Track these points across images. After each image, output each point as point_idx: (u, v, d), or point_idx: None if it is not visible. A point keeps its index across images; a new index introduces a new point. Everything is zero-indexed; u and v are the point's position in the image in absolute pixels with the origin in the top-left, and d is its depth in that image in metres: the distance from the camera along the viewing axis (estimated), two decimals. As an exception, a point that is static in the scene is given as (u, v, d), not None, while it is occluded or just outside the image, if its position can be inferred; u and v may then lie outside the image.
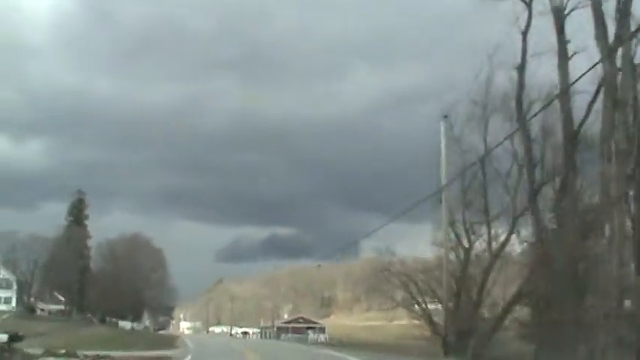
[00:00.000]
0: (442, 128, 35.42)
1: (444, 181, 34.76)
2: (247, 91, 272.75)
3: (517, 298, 33.65)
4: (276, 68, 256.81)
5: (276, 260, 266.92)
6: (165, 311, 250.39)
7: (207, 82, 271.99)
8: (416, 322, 40.33)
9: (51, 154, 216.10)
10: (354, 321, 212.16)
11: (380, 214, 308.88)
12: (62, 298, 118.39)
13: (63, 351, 30.29)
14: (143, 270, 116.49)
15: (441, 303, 37.16)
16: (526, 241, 35.52)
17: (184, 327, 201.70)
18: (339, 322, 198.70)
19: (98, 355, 30.11)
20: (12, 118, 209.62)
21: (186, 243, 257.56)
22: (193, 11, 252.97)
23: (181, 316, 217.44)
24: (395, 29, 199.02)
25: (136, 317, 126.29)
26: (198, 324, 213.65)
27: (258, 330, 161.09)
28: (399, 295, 42.38)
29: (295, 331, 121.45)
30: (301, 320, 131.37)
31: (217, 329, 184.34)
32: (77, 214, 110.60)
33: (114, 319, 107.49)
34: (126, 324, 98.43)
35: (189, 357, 35.44)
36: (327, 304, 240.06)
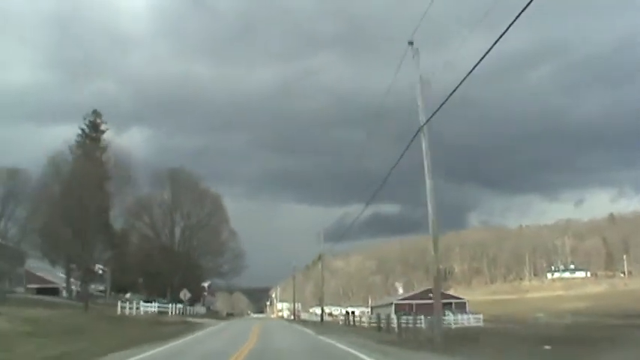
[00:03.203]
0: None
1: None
2: (349, 67, 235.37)
3: None
4: (377, 42, 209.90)
5: (381, 237, 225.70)
6: (258, 293, 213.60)
7: (308, 61, 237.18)
8: None
9: (153, 143, 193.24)
10: (478, 295, 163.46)
11: (487, 187, 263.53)
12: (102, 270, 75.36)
13: None
14: (192, 225, 69.94)
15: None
16: None
17: (279, 308, 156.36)
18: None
19: None
20: (114, 109, 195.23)
21: (293, 226, 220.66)
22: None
23: (274, 295, 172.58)
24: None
25: (196, 297, 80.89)
26: (298, 305, 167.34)
27: (367, 309, 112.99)
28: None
29: (422, 309, 72.21)
30: (430, 295, 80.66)
31: (318, 310, 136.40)
32: (89, 144, 65.49)
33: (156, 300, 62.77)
34: (148, 306, 51.78)
35: None
36: (443, 278, 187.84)
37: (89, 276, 61.07)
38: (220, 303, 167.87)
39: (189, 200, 68.66)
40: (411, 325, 35.09)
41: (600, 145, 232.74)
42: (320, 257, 56.60)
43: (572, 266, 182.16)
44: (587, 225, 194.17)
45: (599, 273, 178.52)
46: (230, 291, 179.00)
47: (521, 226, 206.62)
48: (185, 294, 43.71)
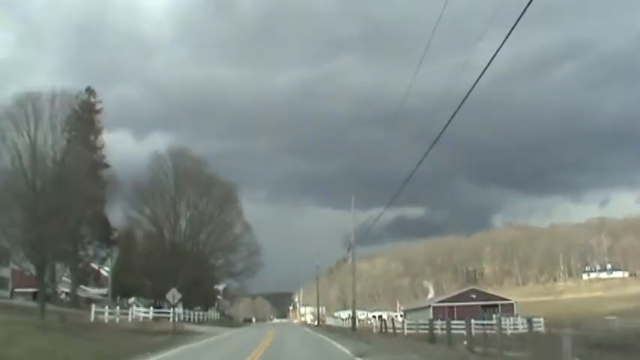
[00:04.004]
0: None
1: None
2: (371, 69, 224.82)
3: None
4: (399, 43, 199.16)
5: (405, 241, 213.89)
6: (280, 298, 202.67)
7: (329, 63, 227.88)
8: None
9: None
10: (511, 297, 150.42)
11: (510, 188, 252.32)
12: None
13: None
14: (200, 217, 59.09)
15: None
16: None
17: (302, 312, 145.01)
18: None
19: None
20: (135, 114, 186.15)
21: (316, 229, 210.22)
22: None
23: (296, 299, 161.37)
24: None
25: (209, 301, 70.42)
26: (322, 309, 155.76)
27: (395, 313, 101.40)
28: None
29: (464, 312, 61.03)
30: (473, 296, 69.49)
31: (343, 314, 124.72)
32: (82, 127, 55.29)
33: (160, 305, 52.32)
34: (140, 311, 41.02)
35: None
36: (472, 279, 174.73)
37: (70, 276, 50.91)
38: (242, 308, 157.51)
39: (195, 188, 57.89)
40: (491, 332, 23.75)
41: (625, 145, 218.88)
42: (349, 248, 45.30)
43: (608, 266, 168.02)
44: (622, 223, 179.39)
45: (638, 272, 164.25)
46: (252, 296, 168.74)
47: (552, 224, 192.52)
48: (174, 295, 32.90)
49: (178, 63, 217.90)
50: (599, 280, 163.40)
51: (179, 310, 43.57)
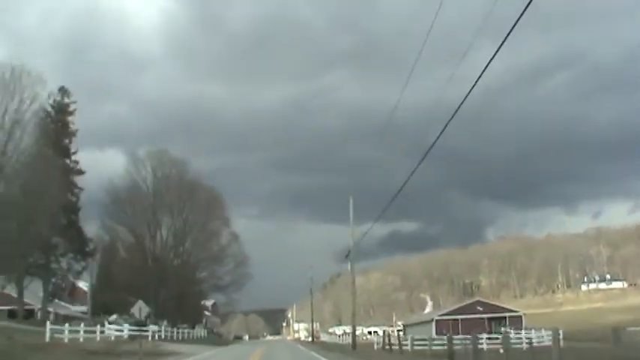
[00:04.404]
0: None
1: None
2: (362, 83, 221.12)
3: None
4: (390, 57, 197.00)
5: (400, 255, 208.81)
6: (274, 314, 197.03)
7: (320, 78, 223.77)
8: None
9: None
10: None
11: (503, 201, 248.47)
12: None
13: None
14: (182, 225, 53.91)
15: None
16: None
17: (296, 329, 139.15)
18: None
19: None
20: (125, 132, 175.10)
21: (308, 245, 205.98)
22: (302, 7, 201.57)
23: (290, 315, 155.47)
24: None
25: (196, 318, 65.09)
26: (316, 325, 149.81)
27: (395, 329, 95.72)
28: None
29: (469, 326, 56.85)
30: (479, 308, 64.69)
31: (338, 330, 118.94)
32: (54, 130, 50.42)
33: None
34: (111, 329, 35.79)
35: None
36: (469, 292, 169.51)
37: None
38: (236, 325, 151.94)
39: (176, 193, 52.78)
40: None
41: (618, 156, 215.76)
42: (347, 255, 40.48)
43: (608, 276, 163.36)
44: (619, 233, 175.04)
45: (638, 282, 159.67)
46: (245, 313, 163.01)
47: (548, 235, 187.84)
48: (141, 309, 27.90)
49: (168, 80, 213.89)
50: (598, 290, 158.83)
51: (155, 327, 38.43)
